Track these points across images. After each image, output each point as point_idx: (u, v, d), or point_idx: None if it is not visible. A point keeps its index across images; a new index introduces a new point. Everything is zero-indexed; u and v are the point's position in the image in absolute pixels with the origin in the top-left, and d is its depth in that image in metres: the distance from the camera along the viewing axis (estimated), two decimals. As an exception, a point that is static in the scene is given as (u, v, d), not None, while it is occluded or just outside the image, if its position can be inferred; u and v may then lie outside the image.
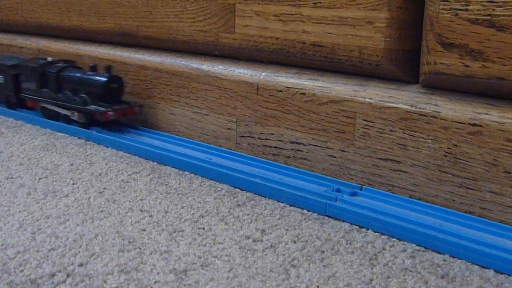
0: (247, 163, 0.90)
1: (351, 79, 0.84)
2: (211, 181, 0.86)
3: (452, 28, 0.70)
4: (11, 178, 0.86)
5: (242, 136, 0.96)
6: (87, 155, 0.97)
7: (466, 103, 0.72)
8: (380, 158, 0.79)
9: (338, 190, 0.78)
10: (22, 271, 0.58)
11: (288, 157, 0.90)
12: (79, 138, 1.07)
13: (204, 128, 1.02)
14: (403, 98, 0.77)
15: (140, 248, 0.64)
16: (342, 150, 0.83)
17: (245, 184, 0.82)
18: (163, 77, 1.08)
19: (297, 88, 0.87)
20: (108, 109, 1.03)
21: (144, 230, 0.69)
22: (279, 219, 0.73)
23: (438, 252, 0.65)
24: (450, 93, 0.75)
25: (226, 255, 0.63)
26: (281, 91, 0.89)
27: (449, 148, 0.72)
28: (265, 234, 0.68)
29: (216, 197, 0.79)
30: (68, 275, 0.58)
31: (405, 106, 0.76)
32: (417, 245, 0.66)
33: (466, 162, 0.71)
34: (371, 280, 0.58)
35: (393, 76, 0.80)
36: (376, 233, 0.69)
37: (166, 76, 1.07)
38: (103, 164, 0.92)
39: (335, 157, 0.84)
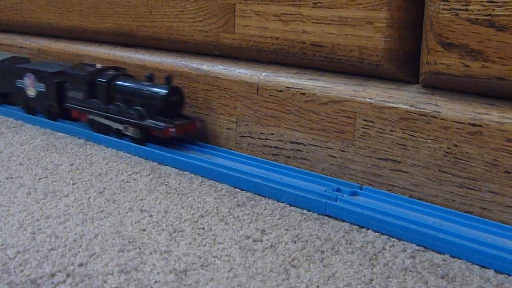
0: (247, 163, 0.90)
1: (351, 79, 0.84)
2: (211, 181, 0.86)
3: (452, 28, 0.70)
4: (11, 178, 0.86)
5: (242, 136, 0.96)
6: (87, 155, 0.97)
7: (466, 103, 0.72)
8: (380, 158, 0.79)
9: (338, 190, 0.78)
10: (22, 271, 0.58)
11: (288, 157, 0.90)
12: (79, 138, 1.07)
13: (204, 128, 1.02)
14: (403, 98, 0.77)
15: (140, 248, 0.64)
16: (342, 150, 0.83)
17: (245, 184, 0.82)
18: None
19: (297, 88, 0.87)
20: (169, 125, 0.93)
21: (144, 230, 0.69)
22: (279, 219, 0.73)
23: (438, 252, 0.65)
24: (450, 93, 0.75)
25: (226, 255, 0.63)
26: (281, 91, 0.89)
27: (449, 148, 0.72)
28: (265, 234, 0.68)
29: (216, 197, 0.79)
30: (68, 275, 0.58)
31: (405, 106, 0.76)
32: (417, 245, 0.66)
33: (466, 162, 0.71)
34: (371, 280, 0.58)
35: (393, 76, 0.80)
36: (376, 233, 0.69)
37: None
38: (103, 164, 0.92)
39: (335, 157, 0.84)
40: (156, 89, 0.96)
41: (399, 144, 0.77)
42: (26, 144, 1.03)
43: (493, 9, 0.66)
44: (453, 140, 0.72)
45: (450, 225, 0.69)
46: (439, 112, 0.73)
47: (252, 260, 0.62)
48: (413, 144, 0.75)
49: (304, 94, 0.86)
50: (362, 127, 0.80)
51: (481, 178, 0.70)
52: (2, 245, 0.64)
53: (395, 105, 0.77)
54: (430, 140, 0.74)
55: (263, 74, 0.93)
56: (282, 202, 0.78)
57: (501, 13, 0.66)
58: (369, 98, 0.80)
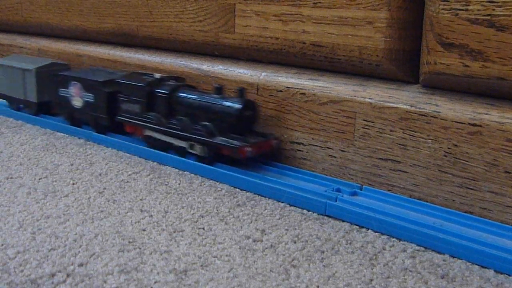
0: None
1: (351, 79, 0.84)
2: (211, 181, 0.86)
3: (452, 28, 0.70)
4: (11, 178, 0.86)
5: (242, 136, 0.96)
6: (87, 155, 0.97)
7: (466, 103, 0.72)
8: (380, 158, 0.79)
9: (338, 190, 0.78)
10: (22, 271, 0.58)
11: (288, 157, 0.90)
12: (79, 138, 1.07)
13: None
14: (403, 98, 0.77)
15: (140, 248, 0.64)
16: (342, 150, 0.83)
17: (245, 184, 0.82)
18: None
19: (297, 88, 0.87)
20: (244, 144, 0.83)
21: (144, 230, 0.69)
22: (279, 219, 0.73)
23: (438, 252, 0.65)
24: (450, 93, 0.75)
25: (226, 255, 0.63)
26: (281, 91, 0.89)
27: (449, 148, 0.72)
28: (265, 234, 0.68)
29: (216, 197, 0.79)
30: (68, 275, 0.58)
31: (405, 106, 0.76)
32: (417, 245, 0.66)
33: (466, 162, 0.71)
34: (371, 280, 0.58)
35: (393, 76, 0.80)
36: (376, 233, 0.69)
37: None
38: (103, 164, 0.92)
39: (335, 157, 0.84)
40: (228, 103, 0.86)
41: (399, 144, 0.77)
42: (26, 144, 1.03)
43: (493, 9, 0.66)
44: (453, 140, 0.72)
45: (450, 225, 0.69)
46: (439, 112, 0.73)
47: (252, 260, 0.62)
48: (413, 144, 0.75)
49: (304, 94, 0.86)
50: (362, 127, 0.80)
51: (481, 178, 0.70)
52: (2, 245, 0.64)
53: (395, 105, 0.77)
54: (430, 140, 0.74)
55: (263, 74, 0.93)
56: (282, 202, 0.78)
57: (501, 13, 0.66)
58: (369, 98, 0.80)
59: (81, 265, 0.60)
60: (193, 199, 0.78)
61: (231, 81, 0.96)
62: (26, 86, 1.19)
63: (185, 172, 0.89)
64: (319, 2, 0.83)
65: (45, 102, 1.18)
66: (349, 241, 0.67)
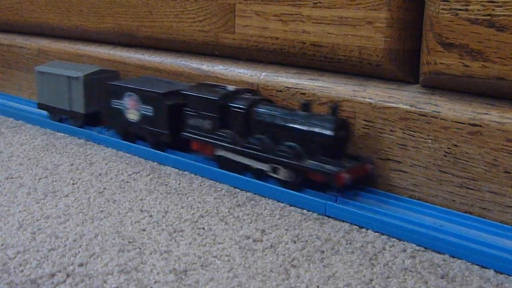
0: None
1: (351, 79, 0.84)
2: (211, 181, 0.86)
3: (452, 28, 0.70)
4: (11, 178, 0.86)
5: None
6: (87, 155, 0.97)
7: (466, 103, 0.72)
8: (380, 158, 0.79)
9: (338, 190, 0.78)
10: (22, 271, 0.58)
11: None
12: (79, 138, 1.07)
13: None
14: (403, 98, 0.77)
15: (140, 248, 0.64)
16: (342, 150, 0.83)
17: (245, 184, 0.82)
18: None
19: (297, 88, 0.87)
20: (341, 169, 0.73)
21: (144, 230, 0.69)
22: (279, 219, 0.73)
23: (438, 252, 0.65)
24: (450, 93, 0.75)
25: (226, 255, 0.63)
26: (281, 91, 0.89)
27: (449, 148, 0.72)
28: (265, 234, 0.68)
29: (216, 197, 0.79)
30: (68, 275, 0.58)
31: (405, 106, 0.76)
32: (417, 245, 0.66)
33: (466, 162, 0.71)
34: (371, 280, 0.58)
35: (393, 76, 0.80)
36: (376, 233, 0.69)
37: (166, 76, 1.07)
38: (103, 164, 0.92)
39: (335, 157, 0.84)
40: (321, 122, 0.76)
41: (399, 144, 0.77)
42: (26, 144, 1.03)
43: (493, 9, 0.66)
44: (453, 140, 0.72)
45: (450, 225, 0.69)
46: (439, 112, 0.73)
47: (252, 260, 0.62)
48: (413, 144, 0.75)
49: (304, 94, 0.86)
50: (362, 127, 0.80)
51: (481, 178, 0.70)
52: (2, 245, 0.64)
53: (395, 105, 0.77)
54: (430, 140, 0.74)
55: (263, 74, 0.93)
56: (282, 202, 0.78)
57: (501, 13, 0.66)
58: (369, 98, 0.80)
59: (81, 265, 0.60)
60: (193, 199, 0.78)
61: (231, 81, 0.96)
62: (71, 96, 1.08)
63: (185, 172, 0.89)
64: (319, 2, 0.83)
65: (92, 114, 1.07)
66: (349, 241, 0.67)
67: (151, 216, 0.73)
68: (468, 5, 0.68)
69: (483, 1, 0.67)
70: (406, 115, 0.76)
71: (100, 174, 0.88)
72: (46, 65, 1.15)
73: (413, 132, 0.75)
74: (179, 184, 0.84)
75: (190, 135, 0.89)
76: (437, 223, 0.69)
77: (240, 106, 0.83)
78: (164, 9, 1.06)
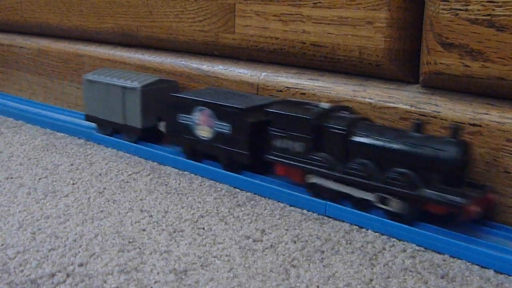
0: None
1: (351, 79, 0.84)
2: (211, 181, 0.86)
3: (452, 28, 0.70)
4: (11, 178, 0.86)
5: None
6: (87, 155, 0.97)
7: (466, 103, 0.72)
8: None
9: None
10: (22, 271, 0.58)
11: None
12: (79, 138, 1.07)
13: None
14: (403, 98, 0.77)
15: (140, 248, 0.64)
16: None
17: (245, 184, 0.82)
18: (163, 77, 1.08)
19: (297, 88, 0.87)
20: (469, 201, 0.63)
21: (144, 230, 0.69)
22: (279, 219, 0.73)
23: (438, 252, 0.64)
24: (450, 93, 0.75)
25: (226, 255, 0.63)
26: (281, 91, 0.89)
27: (449, 148, 0.72)
28: (265, 234, 0.68)
29: (216, 197, 0.79)
30: (68, 275, 0.58)
31: (405, 106, 0.76)
32: (417, 245, 0.66)
33: (466, 162, 0.71)
34: (371, 280, 0.58)
35: (393, 76, 0.80)
36: (376, 233, 0.69)
37: (166, 76, 1.07)
38: (103, 164, 0.92)
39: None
40: (442, 145, 0.66)
41: (399, 144, 0.77)
42: (26, 144, 1.03)
43: (493, 9, 0.66)
44: (453, 140, 0.72)
45: (450, 225, 0.69)
46: (439, 112, 0.73)
47: (252, 260, 0.62)
48: (413, 144, 0.75)
49: (304, 94, 0.86)
50: (362, 127, 0.80)
51: (481, 178, 0.70)
52: (2, 245, 0.64)
53: (395, 105, 0.77)
54: (430, 140, 0.74)
55: (263, 74, 0.93)
56: (282, 202, 0.78)
57: (501, 13, 0.66)
58: (369, 98, 0.80)
59: (81, 265, 0.60)
60: (193, 199, 0.78)
61: (231, 81, 0.96)
62: (126, 108, 0.98)
63: (185, 172, 0.89)
64: (319, 2, 0.83)
65: (149, 128, 0.97)
66: (349, 241, 0.67)
67: (151, 216, 0.73)
68: (468, 5, 0.68)
69: (483, 1, 0.67)
70: (406, 115, 0.76)
71: (100, 174, 0.88)
72: (95, 73, 1.05)
73: (413, 132, 0.75)
74: (179, 184, 0.84)
75: (276, 158, 0.78)
76: (437, 223, 0.69)
77: (339, 127, 0.73)
78: (164, 9, 1.06)
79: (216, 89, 0.95)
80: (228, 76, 0.97)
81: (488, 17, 0.67)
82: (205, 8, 0.99)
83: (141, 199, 0.78)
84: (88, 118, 1.06)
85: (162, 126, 0.94)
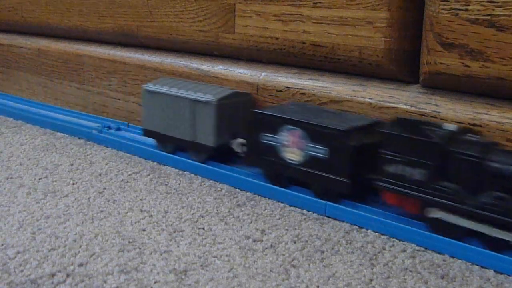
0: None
1: (351, 79, 0.84)
2: (211, 181, 0.86)
3: (452, 28, 0.70)
4: (11, 178, 0.86)
5: (242, 136, 0.95)
6: (87, 155, 0.97)
7: (466, 103, 0.72)
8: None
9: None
10: (22, 271, 0.58)
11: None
12: (79, 138, 1.07)
13: None
14: (403, 98, 0.77)
15: (140, 248, 0.64)
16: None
17: (245, 184, 0.82)
18: (163, 77, 1.08)
19: (297, 88, 0.87)
20: None
21: (144, 230, 0.69)
22: (279, 219, 0.73)
23: (438, 252, 0.64)
24: (450, 93, 0.75)
25: (226, 255, 0.63)
26: (281, 91, 0.89)
27: (449, 148, 0.72)
28: (265, 234, 0.68)
29: (216, 197, 0.79)
30: (68, 275, 0.58)
31: (405, 106, 0.76)
32: (417, 245, 0.66)
33: (466, 162, 0.71)
34: (371, 280, 0.58)
35: (393, 76, 0.80)
36: (376, 233, 0.69)
37: (166, 76, 1.07)
38: (103, 164, 0.92)
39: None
40: None
41: (399, 144, 0.77)
42: (26, 144, 1.03)
43: (493, 9, 0.66)
44: (453, 140, 0.72)
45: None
46: (439, 112, 0.73)
47: (252, 260, 0.62)
48: (413, 144, 0.75)
49: (304, 94, 0.86)
50: (362, 127, 0.80)
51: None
52: (2, 245, 0.64)
53: (395, 105, 0.77)
54: (430, 140, 0.74)
55: (263, 74, 0.93)
56: (282, 202, 0.78)
57: (501, 13, 0.66)
58: (369, 98, 0.80)
59: (81, 265, 0.60)
60: (193, 199, 0.78)
61: (231, 81, 0.96)
62: (196, 124, 0.88)
63: (185, 172, 0.89)
64: (319, 2, 0.83)
65: (222, 147, 0.87)
66: (349, 241, 0.67)
67: (151, 216, 0.73)
68: (468, 5, 0.68)
69: (483, 1, 0.67)
70: (406, 115, 0.76)
71: (100, 174, 0.88)
72: (157, 83, 0.95)
73: (413, 132, 0.75)
74: (179, 184, 0.84)
75: (388, 185, 0.68)
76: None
77: (470, 154, 0.63)
78: (164, 9, 1.06)
79: (302, 106, 0.84)
80: (228, 76, 0.97)
81: (488, 17, 0.67)
82: (205, 8, 0.99)
83: (141, 199, 0.78)
84: (147, 133, 0.96)
85: (236, 145, 0.84)
